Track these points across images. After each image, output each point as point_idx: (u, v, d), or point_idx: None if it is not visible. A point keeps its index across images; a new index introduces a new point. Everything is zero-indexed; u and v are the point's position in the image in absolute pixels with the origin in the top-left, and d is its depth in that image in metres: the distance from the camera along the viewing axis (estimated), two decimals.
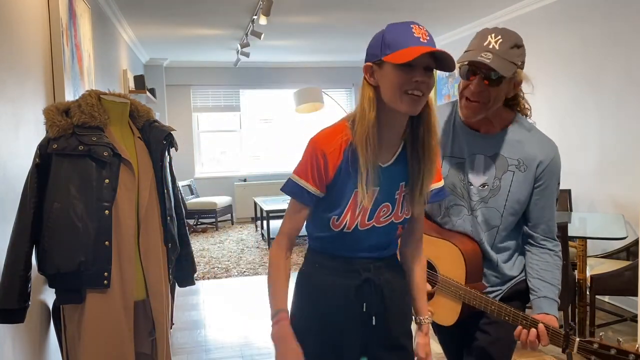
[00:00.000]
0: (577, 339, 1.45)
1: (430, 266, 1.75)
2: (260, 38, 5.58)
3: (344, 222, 1.41)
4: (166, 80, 8.18)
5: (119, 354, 1.92)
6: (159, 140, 2.06)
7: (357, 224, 1.42)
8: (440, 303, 1.73)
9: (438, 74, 6.76)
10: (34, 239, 1.88)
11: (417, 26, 1.32)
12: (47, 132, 1.90)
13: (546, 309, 1.60)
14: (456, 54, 1.50)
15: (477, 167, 1.66)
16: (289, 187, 1.43)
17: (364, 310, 1.47)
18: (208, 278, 5.32)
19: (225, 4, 4.89)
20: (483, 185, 1.66)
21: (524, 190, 1.64)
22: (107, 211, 1.87)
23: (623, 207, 4.01)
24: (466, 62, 1.59)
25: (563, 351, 1.49)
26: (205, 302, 4.58)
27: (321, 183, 1.40)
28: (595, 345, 1.42)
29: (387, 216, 1.45)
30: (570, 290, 3.13)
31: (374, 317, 1.48)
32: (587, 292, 3.31)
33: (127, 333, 1.93)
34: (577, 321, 3.41)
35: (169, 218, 2.07)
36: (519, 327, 1.55)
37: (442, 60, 1.32)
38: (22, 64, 2.30)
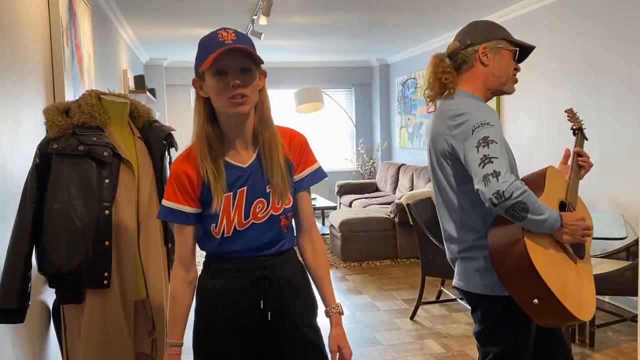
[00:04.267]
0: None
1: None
2: (260, 38, 5.57)
3: (222, 227, 1.47)
4: (166, 80, 8.18)
5: (119, 353, 1.92)
6: (159, 140, 2.07)
7: (234, 225, 1.47)
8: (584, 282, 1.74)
9: None
10: (34, 239, 1.88)
11: (224, 31, 1.40)
12: (47, 132, 1.90)
13: None
14: None
15: None
16: (163, 213, 1.49)
17: (262, 307, 1.49)
18: None
19: (225, 4, 4.89)
20: None
21: None
22: (107, 211, 1.87)
23: (623, 207, 4.01)
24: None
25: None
26: None
27: (193, 199, 1.47)
28: None
29: (265, 211, 1.49)
30: None
31: (269, 313, 1.50)
32: None
33: (127, 333, 1.93)
34: None
35: None
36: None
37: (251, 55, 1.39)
38: (22, 64, 2.30)
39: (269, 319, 1.50)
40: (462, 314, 4.07)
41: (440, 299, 4.38)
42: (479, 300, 1.78)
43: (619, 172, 4.05)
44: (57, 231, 1.84)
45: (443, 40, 6.72)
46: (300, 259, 1.63)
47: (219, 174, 1.44)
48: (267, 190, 1.49)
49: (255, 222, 1.48)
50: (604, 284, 3.24)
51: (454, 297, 4.28)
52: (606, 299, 4.20)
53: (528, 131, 5.12)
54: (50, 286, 1.93)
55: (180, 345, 1.50)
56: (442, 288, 4.39)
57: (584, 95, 4.39)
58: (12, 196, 2.05)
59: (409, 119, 7.91)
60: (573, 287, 1.66)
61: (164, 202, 1.48)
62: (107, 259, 1.87)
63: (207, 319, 1.52)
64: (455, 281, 1.85)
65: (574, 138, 2.05)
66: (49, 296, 2.21)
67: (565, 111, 2.14)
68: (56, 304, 1.99)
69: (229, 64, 1.37)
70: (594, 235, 3.23)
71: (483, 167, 1.55)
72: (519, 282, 1.61)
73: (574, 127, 2.07)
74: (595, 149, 4.24)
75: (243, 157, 1.49)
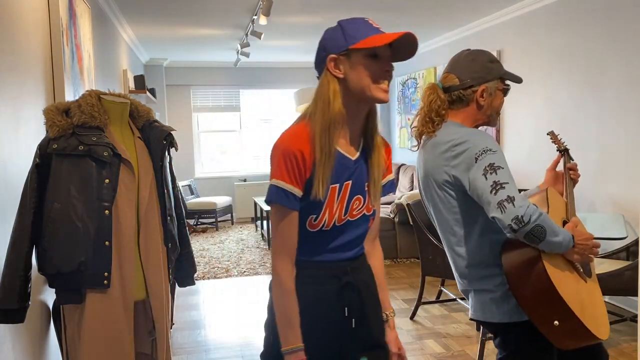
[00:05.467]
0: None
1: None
2: (260, 38, 5.58)
3: (323, 220, 1.38)
4: (166, 80, 8.18)
5: (119, 354, 1.92)
6: (159, 140, 2.06)
7: (335, 220, 1.39)
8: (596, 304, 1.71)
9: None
10: (34, 239, 1.88)
11: (370, 19, 1.37)
12: (47, 132, 1.90)
13: None
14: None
15: None
16: (273, 194, 1.33)
17: (346, 314, 1.45)
18: (208, 278, 5.32)
19: (225, 4, 4.89)
20: None
21: None
22: (107, 211, 1.87)
23: (623, 207, 4.01)
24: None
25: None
26: (205, 302, 4.58)
27: (302, 181, 1.34)
28: None
29: (360, 209, 1.45)
30: None
31: (353, 320, 1.46)
32: None
33: (127, 333, 1.93)
34: None
35: (169, 218, 2.08)
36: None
37: (400, 51, 1.36)
38: (22, 64, 2.30)
39: (353, 326, 1.46)
40: (462, 314, 4.07)
41: (440, 299, 4.38)
42: (499, 329, 1.76)
43: (619, 172, 4.05)
44: (57, 231, 1.84)
45: (443, 41, 6.72)
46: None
47: (330, 159, 1.34)
48: (366, 189, 1.45)
49: (350, 219, 1.43)
50: (604, 284, 3.23)
51: (454, 297, 4.28)
52: (606, 299, 4.20)
53: (528, 131, 5.12)
54: (50, 286, 1.93)
55: (303, 347, 1.37)
56: (442, 288, 4.39)
57: (584, 95, 4.39)
58: (12, 196, 2.05)
59: (409, 119, 7.91)
60: (588, 306, 1.64)
61: (274, 181, 1.33)
62: (107, 259, 1.87)
63: (303, 321, 1.40)
64: (471, 313, 1.82)
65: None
66: (49, 296, 2.21)
67: (548, 134, 2.14)
68: (56, 304, 2.00)
69: (384, 51, 1.34)
70: (594, 235, 3.25)
71: (495, 194, 1.52)
72: (539, 304, 1.59)
73: (560, 148, 2.08)
74: (595, 149, 4.24)
75: (352, 150, 1.42)
